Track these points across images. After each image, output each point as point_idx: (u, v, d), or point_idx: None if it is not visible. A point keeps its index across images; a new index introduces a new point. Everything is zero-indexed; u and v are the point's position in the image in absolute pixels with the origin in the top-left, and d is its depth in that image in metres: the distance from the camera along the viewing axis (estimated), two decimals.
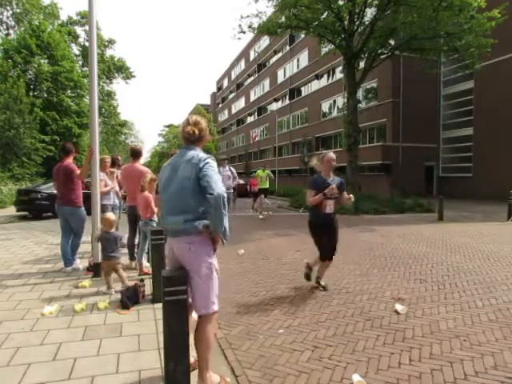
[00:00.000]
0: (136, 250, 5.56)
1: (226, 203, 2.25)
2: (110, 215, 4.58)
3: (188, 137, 2.47)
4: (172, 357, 2.15)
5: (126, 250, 6.14)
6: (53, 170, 5.53)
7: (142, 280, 4.32)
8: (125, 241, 5.04)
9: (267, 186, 13.88)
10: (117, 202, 6.88)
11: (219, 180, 2.27)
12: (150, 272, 4.54)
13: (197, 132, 2.46)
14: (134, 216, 5.54)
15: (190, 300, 2.43)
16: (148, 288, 4.26)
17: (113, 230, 4.48)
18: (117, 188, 6.65)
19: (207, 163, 2.31)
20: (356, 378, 2.58)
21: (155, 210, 4.94)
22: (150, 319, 3.53)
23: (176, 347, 2.16)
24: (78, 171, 5.27)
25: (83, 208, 5.37)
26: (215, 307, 2.37)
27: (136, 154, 5.77)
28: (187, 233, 2.31)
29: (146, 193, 4.95)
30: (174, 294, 2.13)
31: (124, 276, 4.40)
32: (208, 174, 2.26)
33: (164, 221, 2.47)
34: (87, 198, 5.29)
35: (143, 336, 3.15)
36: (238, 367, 2.80)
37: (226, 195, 2.24)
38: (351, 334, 3.39)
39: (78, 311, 3.68)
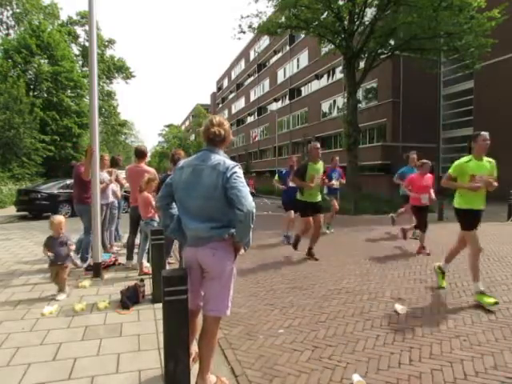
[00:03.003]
0: (136, 251, 5.56)
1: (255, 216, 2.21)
2: (59, 217, 4.24)
3: (213, 137, 2.36)
4: (172, 357, 2.15)
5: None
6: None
7: (142, 280, 4.32)
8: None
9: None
10: (115, 201, 6.85)
11: (248, 193, 2.20)
12: (150, 272, 4.54)
13: (222, 133, 2.38)
14: (136, 217, 5.54)
15: (199, 304, 2.44)
16: (148, 288, 4.26)
17: (62, 233, 4.18)
18: (114, 187, 6.62)
19: (235, 173, 2.23)
20: (356, 377, 2.58)
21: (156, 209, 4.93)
22: (150, 319, 3.53)
23: (176, 347, 2.16)
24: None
25: None
26: (228, 311, 2.36)
27: (140, 153, 5.76)
28: (212, 239, 2.27)
29: (146, 193, 4.95)
30: (174, 294, 2.13)
31: (65, 282, 4.19)
32: (237, 186, 2.17)
33: (184, 226, 2.38)
34: None
35: (143, 336, 3.15)
36: (237, 367, 2.79)
37: (254, 210, 2.18)
38: (351, 333, 3.38)
39: (78, 311, 3.68)
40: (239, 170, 2.28)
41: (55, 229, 4.14)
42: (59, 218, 4.25)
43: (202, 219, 2.26)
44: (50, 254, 4.07)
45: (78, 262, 5.34)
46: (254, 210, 2.18)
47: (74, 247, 4.37)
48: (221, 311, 2.34)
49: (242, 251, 2.43)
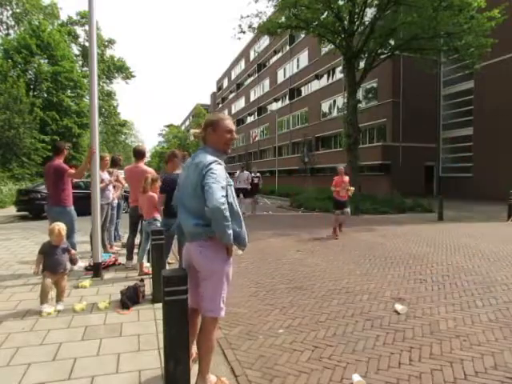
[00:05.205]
0: (136, 251, 5.56)
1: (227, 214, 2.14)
2: (59, 226, 3.85)
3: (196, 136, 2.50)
4: (172, 357, 2.15)
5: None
6: (44, 169, 5.49)
7: (142, 280, 4.32)
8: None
9: None
10: (112, 200, 6.82)
11: (217, 189, 2.12)
12: (150, 272, 4.54)
13: (203, 129, 2.44)
14: (136, 217, 5.53)
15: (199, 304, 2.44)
16: (148, 288, 4.26)
17: (63, 241, 3.89)
18: (111, 187, 6.61)
19: (209, 170, 2.20)
20: (356, 378, 2.58)
21: (160, 208, 4.90)
22: (150, 319, 3.53)
23: (176, 347, 2.16)
24: (71, 170, 5.24)
25: (73, 208, 5.32)
26: (222, 313, 2.36)
27: (139, 154, 5.76)
28: (198, 237, 2.29)
29: (150, 193, 4.94)
30: (174, 293, 2.13)
31: (65, 289, 3.93)
32: (208, 182, 2.15)
33: (180, 223, 2.46)
34: (77, 199, 5.48)
35: (143, 336, 3.15)
36: (237, 367, 2.79)
37: (223, 206, 2.09)
38: (351, 333, 3.38)
39: (78, 311, 3.68)
40: (215, 166, 2.24)
41: (56, 239, 3.80)
42: (60, 226, 3.85)
43: (192, 216, 2.31)
44: (37, 270, 3.73)
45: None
46: (223, 207, 2.09)
47: (74, 252, 4.18)
48: (214, 312, 2.34)
49: (240, 252, 2.44)
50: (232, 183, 2.39)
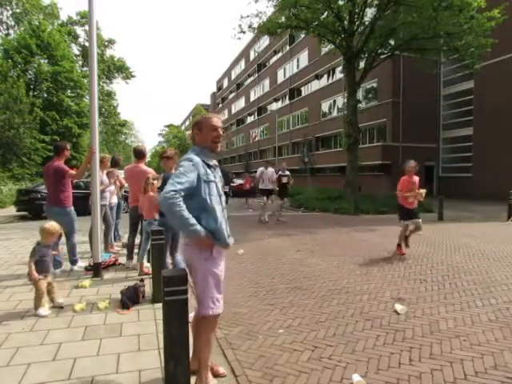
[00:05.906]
0: (136, 251, 5.55)
1: (178, 206, 2.12)
2: (54, 225, 3.90)
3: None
4: (172, 357, 2.15)
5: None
6: (44, 169, 5.46)
7: (142, 280, 4.32)
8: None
9: None
10: (111, 201, 6.81)
11: (169, 184, 2.17)
12: (150, 272, 4.54)
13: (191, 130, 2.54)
14: (137, 217, 5.52)
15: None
16: (148, 288, 4.26)
17: (53, 241, 3.87)
18: (112, 188, 6.60)
19: (177, 167, 2.31)
20: (356, 378, 2.58)
21: (157, 207, 4.89)
22: (150, 319, 3.53)
23: (176, 347, 2.16)
24: (72, 171, 5.23)
25: (73, 208, 5.31)
26: (211, 311, 2.35)
27: (139, 154, 5.74)
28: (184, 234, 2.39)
29: (151, 193, 4.93)
30: (174, 293, 2.13)
31: (57, 291, 3.85)
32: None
33: None
34: (77, 199, 5.49)
35: (143, 336, 3.15)
36: (237, 367, 2.79)
37: (169, 201, 2.10)
38: (351, 333, 3.39)
39: (78, 311, 3.68)
40: (183, 163, 2.28)
41: (49, 238, 3.79)
42: (50, 225, 3.86)
43: None
44: (36, 275, 3.61)
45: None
46: (169, 201, 2.10)
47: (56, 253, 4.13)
48: (203, 310, 2.35)
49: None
50: (212, 179, 2.34)
